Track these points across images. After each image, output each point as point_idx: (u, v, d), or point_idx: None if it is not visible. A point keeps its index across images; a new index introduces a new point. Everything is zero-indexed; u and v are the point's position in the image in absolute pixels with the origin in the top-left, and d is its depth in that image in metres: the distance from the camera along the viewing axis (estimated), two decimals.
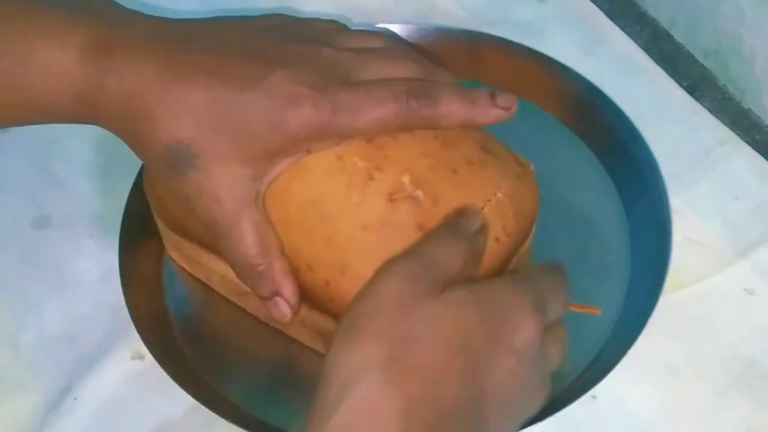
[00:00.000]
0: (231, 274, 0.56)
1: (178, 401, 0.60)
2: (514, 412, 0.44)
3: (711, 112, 0.74)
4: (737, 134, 0.72)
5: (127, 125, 0.51)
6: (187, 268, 0.66)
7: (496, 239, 0.52)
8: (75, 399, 0.63)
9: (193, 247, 0.62)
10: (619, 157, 0.70)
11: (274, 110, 0.48)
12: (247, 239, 0.51)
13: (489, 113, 0.50)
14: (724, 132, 0.73)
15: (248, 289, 0.55)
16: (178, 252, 0.66)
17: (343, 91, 0.49)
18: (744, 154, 0.71)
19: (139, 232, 0.67)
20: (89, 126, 0.53)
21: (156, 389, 0.61)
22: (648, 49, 0.78)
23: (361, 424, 0.39)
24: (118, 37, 0.50)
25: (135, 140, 0.51)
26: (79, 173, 0.74)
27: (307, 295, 0.54)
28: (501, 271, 0.53)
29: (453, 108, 0.50)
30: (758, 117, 0.74)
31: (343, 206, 0.52)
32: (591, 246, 0.66)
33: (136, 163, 0.57)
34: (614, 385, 0.60)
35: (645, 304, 0.62)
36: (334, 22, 0.56)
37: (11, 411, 0.63)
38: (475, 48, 0.74)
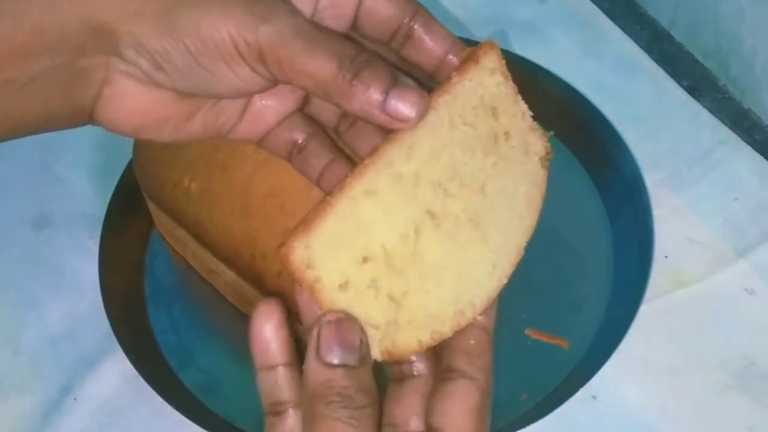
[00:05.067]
0: (201, 251, 0.59)
1: None
2: None
3: (711, 112, 0.74)
4: (737, 134, 0.72)
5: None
6: (169, 242, 0.68)
7: None
8: (75, 399, 0.63)
9: (171, 221, 0.64)
10: (603, 165, 0.70)
11: None
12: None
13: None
14: (724, 132, 0.73)
15: (216, 268, 0.57)
16: (162, 227, 0.68)
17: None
18: (744, 154, 0.71)
19: (126, 214, 0.69)
20: (89, 126, 0.53)
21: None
22: (648, 49, 0.78)
23: None
24: None
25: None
26: (79, 173, 0.74)
27: (259, 283, 0.57)
28: None
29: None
30: (758, 117, 0.74)
31: (303, 200, 0.52)
32: (572, 265, 0.66)
33: None
34: (614, 385, 0.60)
35: (626, 310, 0.63)
36: None
37: (11, 411, 0.63)
38: None
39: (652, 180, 0.68)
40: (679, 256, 0.66)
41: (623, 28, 0.80)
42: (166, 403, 0.60)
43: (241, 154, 0.58)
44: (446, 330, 0.38)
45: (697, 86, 0.76)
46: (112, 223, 0.68)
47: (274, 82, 0.39)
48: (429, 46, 0.41)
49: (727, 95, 0.76)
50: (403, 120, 0.38)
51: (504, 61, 0.41)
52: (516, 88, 0.41)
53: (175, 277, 0.69)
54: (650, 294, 0.64)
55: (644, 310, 0.63)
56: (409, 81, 0.38)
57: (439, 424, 0.37)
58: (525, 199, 0.41)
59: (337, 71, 0.37)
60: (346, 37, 0.41)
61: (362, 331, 0.37)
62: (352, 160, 0.43)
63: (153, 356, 0.65)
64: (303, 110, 0.44)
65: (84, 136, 0.75)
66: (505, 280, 0.40)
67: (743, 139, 0.72)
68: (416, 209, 0.38)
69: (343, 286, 0.37)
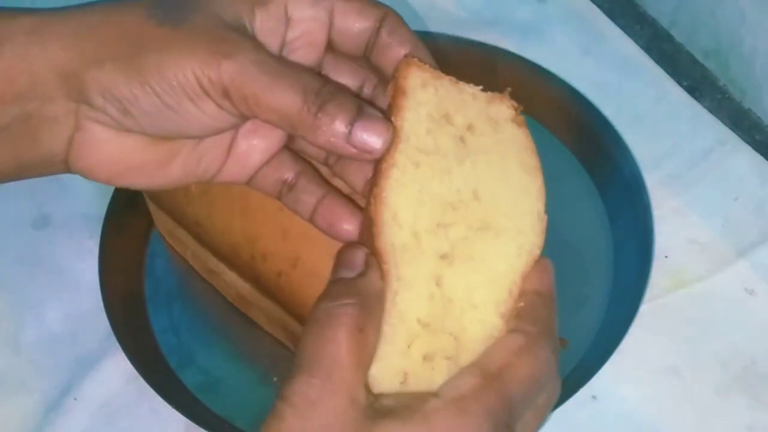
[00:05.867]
0: (201, 251, 0.59)
1: None
2: None
3: (711, 112, 0.74)
4: (737, 134, 0.72)
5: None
6: (169, 242, 0.68)
7: None
8: (75, 399, 0.63)
9: (171, 221, 0.64)
10: (603, 165, 0.70)
11: None
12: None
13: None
14: (724, 132, 0.73)
15: (216, 268, 0.57)
16: (162, 227, 0.68)
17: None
18: (744, 154, 0.71)
19: (126, 214, 0.69)
20: None
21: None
22: (648, 49, 0.78)
23: None
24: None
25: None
26: None
27: (259, 284, 0.57)
28: None
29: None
30: (758, 117, 0.74)
31: None
32: (572, 265, 0.66)
33: None
34: (614, 385, 0.60)
35: (626, 312, 0.63)
36: None
37: (11, 411, 0.63)
38: (458, 52, 0.73)
39: (652, 180, 0.68)
40: (679, 256, 0.66)
41: (623, 28, 0.80)
42: (166, 403, 0.60)
43: None
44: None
45: (697, 86, 0.76)
46: (112, 223, 0.68)
47: (242, 118, 0.39)
48: (394, 50, 0.41)
49: (727, 95, 0.76)
50: (369, 151, 0.38)
51: (425, 63, 0.40)
52: (453, 77, 0.41)
53: (175, 277, 0.69)
54: (650, 294, 0.64)
55: (644, 310, 0.63)
56: (374, 111, 0.38)
57: (474, 362, 0.38)
58: (520, 169, 0.40)
59: (302, 105, 0.37)
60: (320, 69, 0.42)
61: (368, 253, 0.38)
62: (343, 194, 0.43)
63: (153, 356, 0.65)
64: (290, 147, 0.44)
65: None
66: (537, 250, 0.40)
67: (743, 139, 0.72)
68: (429, 265, 0.38)
69: (405, 380, 0.37)
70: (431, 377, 0.37)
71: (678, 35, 0.79)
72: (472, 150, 0.40)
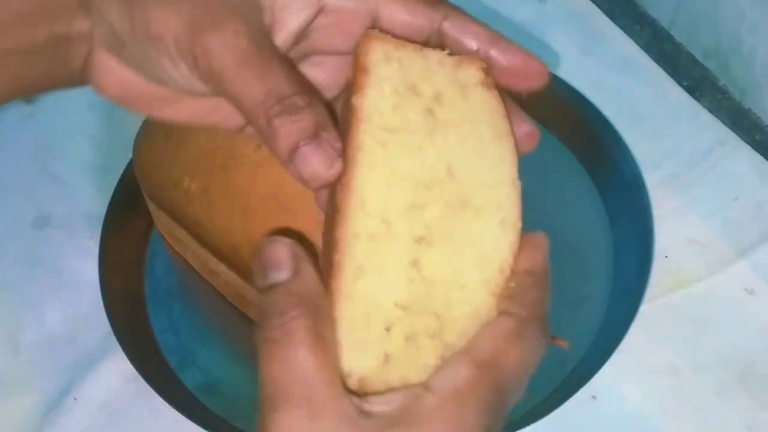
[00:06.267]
0: (201, 251, 0.59)
1: None
2: None
3: (711, 112, 0.74)
4: (737, 134, 0.72)
5: None
6: (169, 242, 0.68)
7: None
8: (75, 399, 0.63)
9: (171, 221, 0.64)
10: (603, 165, 0.70)
11: None
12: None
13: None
14: (724, 132, 0.73)
15: (216, 268, 0.56)
16: (162, 227, 0.68)
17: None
18: (744, 154, 0.71)
19: (126, 214, 0.69)
20: (89, 126, 0.53)
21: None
22: (648, 49, 0.78)
23: None
24: None
25: None
26: (79, 173, 0.74)
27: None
28: None
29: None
30: (758, 117, 0.74)
31: (303, 200, 0.52)
32: (572, 265, 0.66)
33: None
34: (614, 385, 0.60)
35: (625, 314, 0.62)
36: None
37: (11, 411, 0.63)
38: None
39: (652, 180, 0.68)
40: (679, 256, 0.66)
41: (623, 28, 0.80)
42: (166, 403, 0.60)
43: (240, 155, 0.58)
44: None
45: (697, 86, 0.76)
46: (112, 223, 0.68)
47: (213, 91, 0.38)
48: (464, 46, 0.39)
49: (727, 95, 0.76)
50: (304, 181, 0.36)
51: (386, 33, 0.38)
52: (417, 44, 0.39)
53: (175, 277, 0.69)
54: (650, 294, 0.64)
55: (644, 310, 0.63)
56: (328, 142, 0.36)
57: (465, 348, 0.36)
58: (492, 137, 0.38)
59: (259, 104, 0.36)
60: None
61: (291, 244, 0.36)
62: None
63: (153, 356, 0.65)
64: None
65: (84, 136, 0.75)
66: (519, 223, 0.38)
67: (743, 139, 0.72)
68: (404, 249, 0.36)
69: (387, 361, 0.36)
70: (416, 356, 0.36)
71: (678, 35, 0.79)
72: (442, 122, 0.38)
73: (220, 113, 0.41)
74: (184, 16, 0.37)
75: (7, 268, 0.70)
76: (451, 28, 0.39)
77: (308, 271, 0.36)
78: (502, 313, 0.37)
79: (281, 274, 0.36)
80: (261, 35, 0.38)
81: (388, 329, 0.36)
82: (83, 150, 0.75)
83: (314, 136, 0.35)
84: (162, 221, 0.66)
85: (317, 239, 0.53)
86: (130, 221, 0.70)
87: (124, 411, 0.63)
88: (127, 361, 0.62)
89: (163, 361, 0.65)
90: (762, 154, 0.71)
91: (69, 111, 0.76)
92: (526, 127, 0.40)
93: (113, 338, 0.64)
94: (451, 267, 0.37)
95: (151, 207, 0.66)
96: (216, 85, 0.37)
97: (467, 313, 0.37)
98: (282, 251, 0.36)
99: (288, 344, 0.34)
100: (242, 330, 0.65)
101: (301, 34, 0.39)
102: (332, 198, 0.37)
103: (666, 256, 0.66)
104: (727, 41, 0.74)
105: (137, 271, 0.69)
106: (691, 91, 0.76)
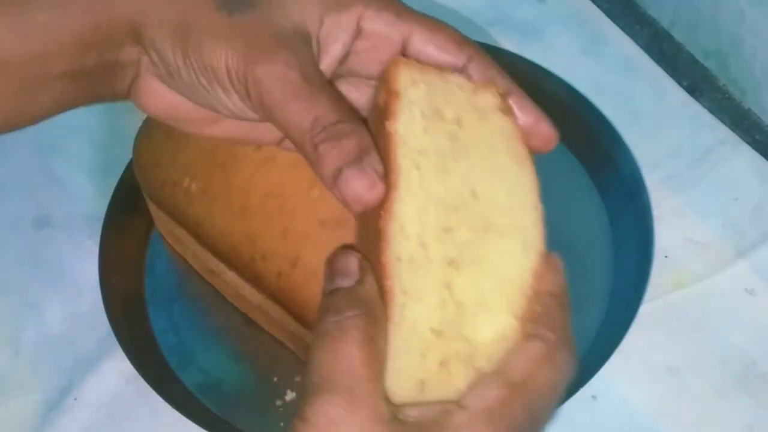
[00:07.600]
0: (201, 251, 0.59)
1: None
2: None
3: (711, 112, 0.74)
4: (737, 134, 0.72)
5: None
6: (169, 242, 0.68)
7: None
8: (75, 399, 0.63)
9: (171, 221, 0.64)
10: (603, 165, 0.70)
11: None
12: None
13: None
14: (724, 132, 0.73)
15: (216, 268, 0.57)
16: (162, 227, 0.68)
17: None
18: (744, 154, 0.71)
19: (126, 214, 0.69)
20: (89, 126, 0.53)
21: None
22: (648, 49, 0.78)
23: None
24: None
25: None
26: (79, 173, 0.74)
27: (259, 284, 0.57)
28: None
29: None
30: (758, 117, 0.74)
31: (303, 200, 0.53)
32: (572, 265, 0.66)
33: None
34: (614, 385, 0.60)
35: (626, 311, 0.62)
36: None
37: (11, 411, 0.63)
38: None
39: (652, 180, 0.68)
40: (679, 256, 0.66)
41: (623, 28, 0.80)
42: (166, 403, 0.60)
43: (240, 154, 0.58)
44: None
45: (697, 86, 0.76)
46: (112, 223, 0.68)
47: (262, 119, 0.40)
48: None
49: (727, 95, 0.76)
50: (347, 204, 0.37)
51: (410, 59, 0.39)
52: (439, 69, 0.40)
53: (175, 277, 0.69)
54: (650, 294, 0.63)
55: (644, 310, 0.63)
56: (372, 166, 0.37)
57: (496, 370, 0.37)
58: (511, 161, 0.39)
59: (306, 132, 0.37)
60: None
61: (361, 257, 0.37)
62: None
63: (153, 356, 0.65)
64: None
65: (84, 136, 0.75)
66: (541, 244, 0.39)
67: (743, 139, 0.72)
68: (438, 272, 0.37)
69: (423, 387, 0.36)
70: (449, 382, 0.37)
71: (678, 35, 0.79)
72: (465, 145, 0.39)
73: (261, 130, 0.43)
74: (237, 48, 0.38)
75: (7, 268, 0.70)
76: (474, 71, 0.41)
77: (371, 281, 0.37)
78: (530, 336, 0.38)
79: (346, 281, 0.37)
80: (310, 65, 0.39)
81: (423, 355, 0.37)
82: (83, 150, 0.75)
83: (357, 160, 0.36)
84: (162, 221, 0.66)
85: (317, 239, 0.53)
86: (130, 221, 0.70)
87: (124, 411, 0.63)
88: (127, 361, 0.62)
89: (163, 361, 0.65)
90: (762, 154, 0.71)
91: (69, 111, 0.75)
92: (544, 128, 0.43)
93: (113, 338, 0.64)
94: (478, 290, 0.38)
95: (151, 207, 0.66)
96: (266, 114, 0.38)
97: (494, 337, 0.38)
98: (352, 261, 0.38)
99: (340, 338, 0.35)
100: (242, 330, 0.65)
101: (343, 59, 0.41)
102: (375, 222, 0.37)
103: (666, 256, 0.66)
104: (727, 41, 0.74)
105: (137, 271, 0.69)
106: (691, 91, 0.76)
